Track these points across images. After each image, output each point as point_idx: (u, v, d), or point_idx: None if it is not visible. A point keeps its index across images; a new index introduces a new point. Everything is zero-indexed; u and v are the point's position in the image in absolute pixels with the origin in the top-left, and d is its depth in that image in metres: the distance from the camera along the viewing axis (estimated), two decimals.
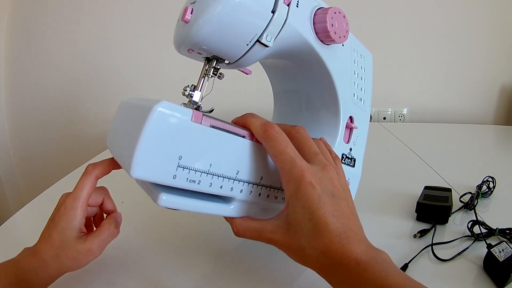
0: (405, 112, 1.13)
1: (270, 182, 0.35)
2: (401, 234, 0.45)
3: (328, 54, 0.41)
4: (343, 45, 0.43)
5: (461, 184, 0.58)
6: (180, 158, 0.27)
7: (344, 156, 0.44)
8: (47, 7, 1.05)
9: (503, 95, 1.10)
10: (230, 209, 0.33)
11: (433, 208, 0.47)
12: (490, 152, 0.85)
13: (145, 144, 0.25)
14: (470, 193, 0.53)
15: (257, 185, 0.34)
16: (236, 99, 1.11)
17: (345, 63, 0.43)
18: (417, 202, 0.48)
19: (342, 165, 0.42)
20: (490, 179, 0.56)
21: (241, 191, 0.33)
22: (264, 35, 0.34)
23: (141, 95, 1.14)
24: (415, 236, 0.44)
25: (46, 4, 1.05)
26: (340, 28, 0.39)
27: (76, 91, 1.13)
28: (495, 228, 0.43)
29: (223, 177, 0.31)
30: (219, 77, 0.36)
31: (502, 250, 0.37)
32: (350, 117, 0.45)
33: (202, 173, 0.29)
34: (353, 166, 0.45)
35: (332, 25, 0.38)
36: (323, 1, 0.40)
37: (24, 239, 0.48)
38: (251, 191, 0.33)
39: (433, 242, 0.42)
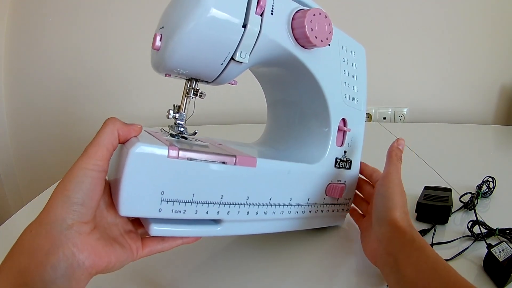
0: (405, 112, 1.13)
1: (258, 200, 0.35)
2: None
3: (311, 59, 0.39)
4: (329, 45, 0.40)
5: (461, 184, 0.58)
6: (162, 193, 0.29)
7: (338, 160, 0.43)
8: (47, 7, 1.05)
9: (503, 95, 1.10)
10: (218, 230, 0.34)
11: (433, 208, 0.47)
12: (490, 152, 0.85)
13: (127, 186, 0.27)
14: (470, 193, 0.53)
15: (244, 205, 0.34)
16: (231, 101, 1.11)
17: (332, 64, 0.42)
18: (417, 202, 0.48)
19: (338, 169, 0.43)
20: (490, 179, 0.56)
21: (228, 213, 0.33)
22: (238, 52, 0.33)
23: (141, 95, 1.14)
24: None
25: (46, 4, 1.05)
26: (322, 31, 0.36)
27: (76, 91, 1.13)
28: (495, 228, 0.43)
29: (208, 203, 0.31)
30: (200, 96, 0.36)
31: (502, 250, 0.37)
32: (343, 119, 0.43)
33: (186, 203, 0.30)
34: (349, 168, 0.44)
35: (312, 29, 0.36)
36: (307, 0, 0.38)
37: None
38: (239, 211, 0.34)
39: (433, 242, 0.42)
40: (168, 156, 0.28)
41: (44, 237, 0.23)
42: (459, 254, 0.40)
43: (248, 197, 0.34)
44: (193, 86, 0.36)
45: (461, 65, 1.08)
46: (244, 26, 0.32)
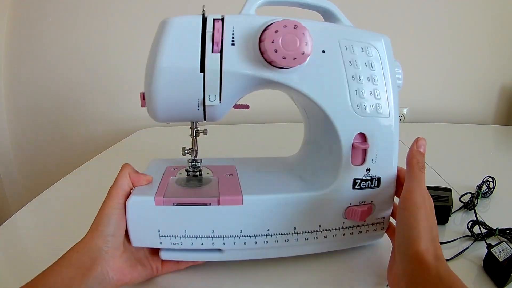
0: (405, 112, 1.13)
1: (254, 232, 0.36)
2: None
3: (295, 77, 0.34)
4: (323, 51, 0.35)
5: (461, 184, 0.58)
6: (158, 231, 0.35)
7: (359, 181, 0.37)
8: (47, 7, 1.05)
9: (503, 95, 1.10)
10: (221, 256, 0.37)
11: None
12: (490, 152, 0.85)
13: (131, 226, 0.34)
14: (470, 193, 0.53)
15: (239, 236, 0.36)
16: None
17: (330, 73, 0.35)
18: None
19: (360, 190, 0.37)
20: (490, 179, 0.56)
21: (223, 244, 0.36)
22: (206, 96, 0.32)
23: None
24: None
25: (46, 4, 1.05)
26: (291, 47, 0.31)
27: (76, 91, 1.13)
28: (495, 228, 0.43)
29: (201, 237, 0.35)
30: (204, 133, 0.40)
31: (502, 250, 0.37)
32: (361, 134, 0.37)
33: (181, 237, 0.35)
34: (377, 186, 0.38)
35: (276, 50, 0.30)
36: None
37: (24, 239, 0.48)
38: (235, 242, 0.36)
39: None
40: (155, 204, 0.34)
41: (88, 257, 0.30)
42: (459, 254, 0.40)
43: (241, 230, 0.36)
44: (193, 127, 0.40)
45: (461, 65, 1.08)
46: (203, 69, 0.32)
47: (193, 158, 0.41)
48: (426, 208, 0.31)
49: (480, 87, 1.09)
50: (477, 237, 0.42)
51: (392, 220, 0.40)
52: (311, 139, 0.44)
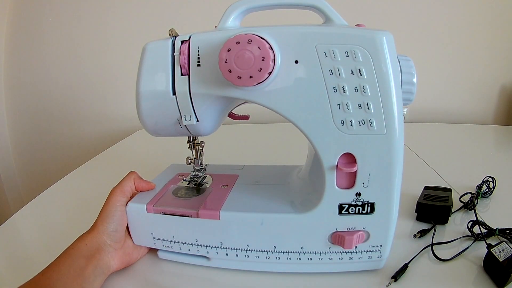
0: (405, 112, 1.13)
1: (234, 246, 0.37)
2: (401, 234, 0.45)
3: (263, 94, 0.31)
4: (296, 61, 0.30)
5: (461, 184, 0.58)
6: (152, 234, 0.39)
7: (346, 206, 0.34)
8: (47, 7, 1.05)
9: (503, 95, 1.10)
10: (209, 262, 0.39)
11: (433, 208, 0.47)
12: (490, 152, 0.85)
13: (131, 227, 0.39)
14: (470, 193, 0.53)
15: (220, 248, 0.38)
16: None
17: (306, 87, 0.31)
18: (417, 202, 0.48)
19: (348, 216, 0.34)
20: (490, 179, 0.56)
21: (207, 252, 0.38)
22: (182, 117, 0.34)
23: None
24: (415, 236, 0.44)
25: (46, 4, 1.05)
26: (246, 63, 0.28)
27: (75, 91, 1.13)
28: (495, 228, 0.43)
29: (187, 244, 0.38)
30: (200, 145, 0.43)
31: (502, 250, 0.37)
32: (349, 154, 0.32)
33: (171, 242, 0.39)
34: (370, 212, 0.34)
35: (231, 71, 0.29)
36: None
37: (24, 239, 0.48)
38: (217, 252, 0.38)
39: (433, 242, 0.42)
40: (147, 211, 0.38)
41: (95, 249, 0.35)
42: (459, 254, 0.40)
43: (221, 242, 0.37)
44: (190, 140, 0.42)
45: (461, 65, 1.08)
46: (175, 92, 0.33)
47: (195, 168, 0.44)
48: None
49: (480, 87, 1.09)
50: (477, 237, 0.42)
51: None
52: (310, 151, 0.42)
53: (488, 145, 0.92)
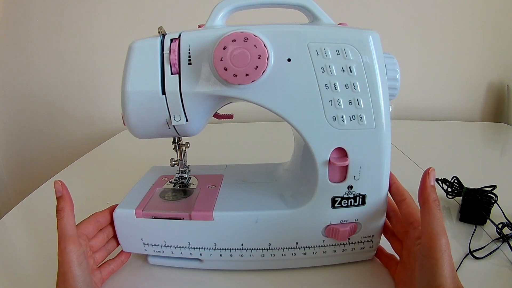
0: (390, 109, 1.14)
1: (228, 246, 0.37)
2: None
3: (255, 92, 0.31)
4: (289, 60, 0.31)
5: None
6: (142, 239, 0.37)
7: (339, 199, 0.35)
8: (33, 8, 1.03)
9: (490, 93, 1.11)
10: (201, 265, 0.38)
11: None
12: (478, 149, 0.86)
13: (119, 234, 0.38)
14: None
15: (214, 249, 0.37)
16: None
17: (298, 84, 0.32)
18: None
19: (341, 209, 0.35)
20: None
21: (200, 254, 0.37)
22: (172, 116, 0.33)
23: None
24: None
25: (32, 5, 1.03)
26: (242, 61, 0.28)
27: (63, 92, 1.11)
28: None
29: (179, 247, 0.37)
30: (185, 146, 0.42)
31: None
32: (340, 149, 0.33)
33: (162, 246, 0.37)
34: (361, 204, 0.35)
35: (226, 69, 0.29)
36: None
37: (13, 242, 0.47)
38: (211, 254, 0.37)
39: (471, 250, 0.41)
40: (136, 216, 0.36)
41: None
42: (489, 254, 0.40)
43: (215, 243, 0.37)
44: (175, 141, 0.41)
45: (449, 62, 1.08)
46: (164, 92, 0.32)
47: (180, 169, 0.43)
48: (449, 252, 0.28)
49: (468, 84, 1.10)
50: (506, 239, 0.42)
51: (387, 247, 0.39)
52: (298, 147, 0.42)
53: (476, 142, 0.93)
